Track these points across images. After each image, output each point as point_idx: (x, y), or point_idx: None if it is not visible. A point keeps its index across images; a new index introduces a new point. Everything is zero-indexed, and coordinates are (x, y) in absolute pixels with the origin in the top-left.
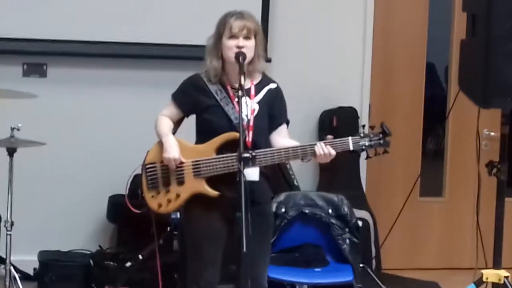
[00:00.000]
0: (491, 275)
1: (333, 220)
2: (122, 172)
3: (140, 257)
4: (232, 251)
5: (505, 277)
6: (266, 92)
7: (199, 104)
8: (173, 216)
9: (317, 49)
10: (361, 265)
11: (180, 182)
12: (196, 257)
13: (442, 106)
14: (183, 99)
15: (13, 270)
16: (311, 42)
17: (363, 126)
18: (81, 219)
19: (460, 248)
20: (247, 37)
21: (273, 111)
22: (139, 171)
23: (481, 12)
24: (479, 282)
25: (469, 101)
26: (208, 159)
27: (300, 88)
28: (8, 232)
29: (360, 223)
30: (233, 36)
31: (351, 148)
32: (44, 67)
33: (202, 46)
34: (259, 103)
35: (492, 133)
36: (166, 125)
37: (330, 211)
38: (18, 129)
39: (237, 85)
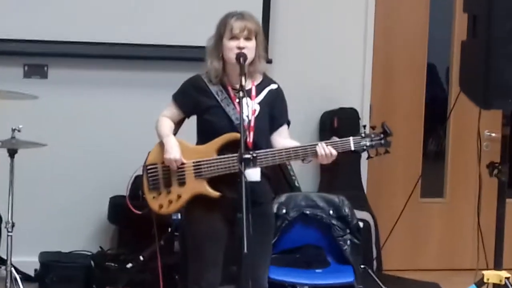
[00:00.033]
0: (492, 276)
1: (334, 221)
2: (123, 173)
3: (141, 258)
4: (233, 252)
5: (506, 278)
6: (267, 93)
7: (200, 105)
8: (174, 217)
9: (318, 49)
10: (362, 266)
11: (181, 183)
12: (197, 258)
13: (443, 107)
14: (184, 100)
15: (14, 271)
16: (311, 42)
17: (364, 126)
18: (82, 220)
19: (461, 249)
20: (248, 38)
21: (274, 112)
22: (140, 172)
23: (482, 13)
24: (480, 283)
25: (470, 102)
26: (209, 160)
27: (301, 89)
28: (9, 233)
29: (361, 224)
30: (233, 37)
31: (353, 148)
32: (45, 68)
33: (203, 47)
34: (260, 103)
35: (493, 134)
36: (167, 126)
37: (331, 212)
38: (19, 130)
39: (238, 86)
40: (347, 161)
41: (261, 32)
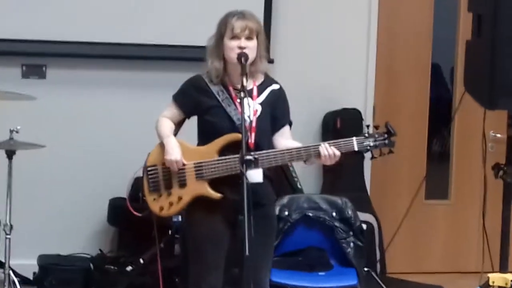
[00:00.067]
0: (497, 279)
1: (337, 223)
2: (122, 175)
3: (141, 261)
4: (234, 254)
5: (511, 281)
6: (269, 93)
7: (201, 105)
8: (174, 219)
9: (320, 49)
10: (365, 269)
11: (182, 184)
12: (198, 260)
13: (448, 108)
14: (184, 100)
15: (12, 274)
16: (314, 42)
17: (368, 126)
18: (81, 222)
19: (466, 252)
20: (249, 38)
21: (276, 112)
22: (140, 174)
23: (486, 12)
24: (485, 286)
25: (475, 103)
26: (211, 161)
27: (303, 90)
28: (7, 236)
29: (364, 226)
30: (234, 37)
31: (356, 149)
32: (44, 68)
33: (203, 47)
34: (261, 104)
35: (499, 135)
36: (167, 126)
37: (334, 214)
38: (17, 131)
39: (239, 86)
40: (350, 162)
41: (262, 31)
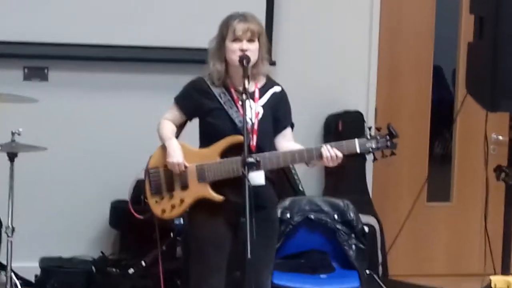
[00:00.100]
0: (499, 281)
1: (339, 226)
2: (124, 177)
3: (143, 263)
4: (236, 257)
5: None
6: (271, 95)
7: (202, 108)
8: (176, 221)
9: (322, 51)
10: (367, 271)
11: (184, 187)
12: (200, 262)
13: (449, 110)
14: (186, 103)
15: (14, 277)
16: (315, 44)
17: (370, 128)
18: (83, 225)
19: (468, 254)
20: (251, 40)
21: (278, 115)
22: (141, 176)
23: (488, 14)
24: None
25: (477, 105)
26: (212, 163)
27: (305, 92)
28: (9, 238)
29: (366, 228)
30: (236, 39)
31: (358, 150)
32: (45, 70)
33: (205, 49)
34: (263, 106)
35: (500, 137)
36: (169, 129)
37: (335, 216)
38: (19, 134)
39: (241, 88)
40: (352, 165)
41: (264, 33)
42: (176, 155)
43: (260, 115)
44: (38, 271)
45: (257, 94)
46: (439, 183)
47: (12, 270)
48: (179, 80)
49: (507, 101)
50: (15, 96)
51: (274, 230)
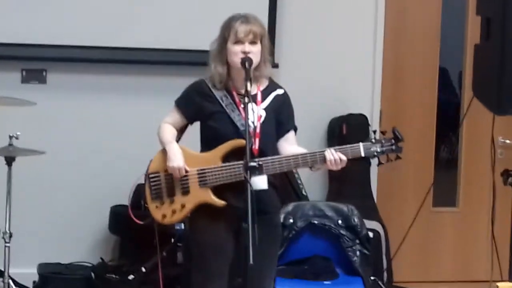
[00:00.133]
0: None
1: (342, 231)
2: (124, 182)
3: (143, 269)
4: (238, 262)
5: None
6: (273, 98)
7: (204, 111)
8: (177, 227)
9: (326, 53)
10: (372, 277)
11: (185, 191)
12: (201, 268)
13: (456, 113)
14: (187, 106)
15: (11, 283)
16: (319, 46)
17: (374, 131)
18: (82, 230)
19: (474, 260)
20: (253, 42)
21: (281, 118)
22: (142, 181)
23: (495, 15)
24: None
25: (484, 108)
26: (214, 168)
27: (308, 95)
28: (7, 244)
29: (371, 234)
30: (238, 41)
31: (363, 155)
32: (44, 73)
33: (205, 51)
34: (266, 109)
35: (508, 141)
36: (169, 132)
37: (339, 221)
38: (16, 138)
39: (243, 91)
40: (356, 169)
41: (266, 35)
42: (177, 159)
43: (262, 118)
44: (36, 278)
45: (259, 97)
46: (445, 187)
47: (9, 277)
48: (180, 82)
49: None
50: (13, 99)
51: (277, 235)
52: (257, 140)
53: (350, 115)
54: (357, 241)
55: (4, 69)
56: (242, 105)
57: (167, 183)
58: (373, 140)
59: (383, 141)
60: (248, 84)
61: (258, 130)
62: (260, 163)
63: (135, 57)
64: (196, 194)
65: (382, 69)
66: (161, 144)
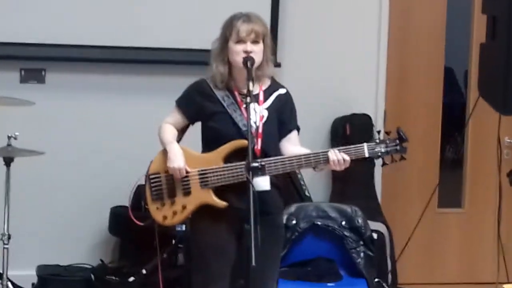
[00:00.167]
0: None
1: (346, 233)
2: (124, 183)
3: (144, 271)
4: (240, 264)
5: None
6: (276, 98)
7: (205, 111)
8: (178, 228)
9: (329, 53)
10: (376, 279)
11: (186, 192)
12: (202, 269)
13: (461, 113)
14: (188, 106)
15: (10, 285)
16: (322, 45)
17: (379, 132)
18: (81, 232)
19: (480, 262)
20: (255, 41)
21: (283, 117)
22: (142, 182)
23: (502, 14)
24: None
25: (490, 107)
26: (215, 169)
27: (311, 94)
28: (5, 246)
29: (375, 235)
30: (240, 41)
31: (367, 155)
32: (43, 72)
33: (206, 51)
34: (268, 109)
35: None
36: (170, 132)
37: (343, 223)
38: (15, 138)
39: (245, 91)
40: (360, 170)
41: (268, 34)
42: (178, 160)
43: (264, 118)
44: (35, 280)
45: (261, 97)
46: (450, 188)
47: (8, 279)
48: (180, 82)
49: None
50: (11, 99)
51: (279, 237)
52: (259, 140)
53: (354, 115)
54: (361, 242)
55: (3, 69)
56: (244, 105)
57: (168, 184)
58: (378, 141)
59: (387, 142)
60: (250, 84)
61: (260, 130)
62: (263, 163)
63: (135, 56)
64: (197, 195)
65: (387, 69)
66: (161, 144)
